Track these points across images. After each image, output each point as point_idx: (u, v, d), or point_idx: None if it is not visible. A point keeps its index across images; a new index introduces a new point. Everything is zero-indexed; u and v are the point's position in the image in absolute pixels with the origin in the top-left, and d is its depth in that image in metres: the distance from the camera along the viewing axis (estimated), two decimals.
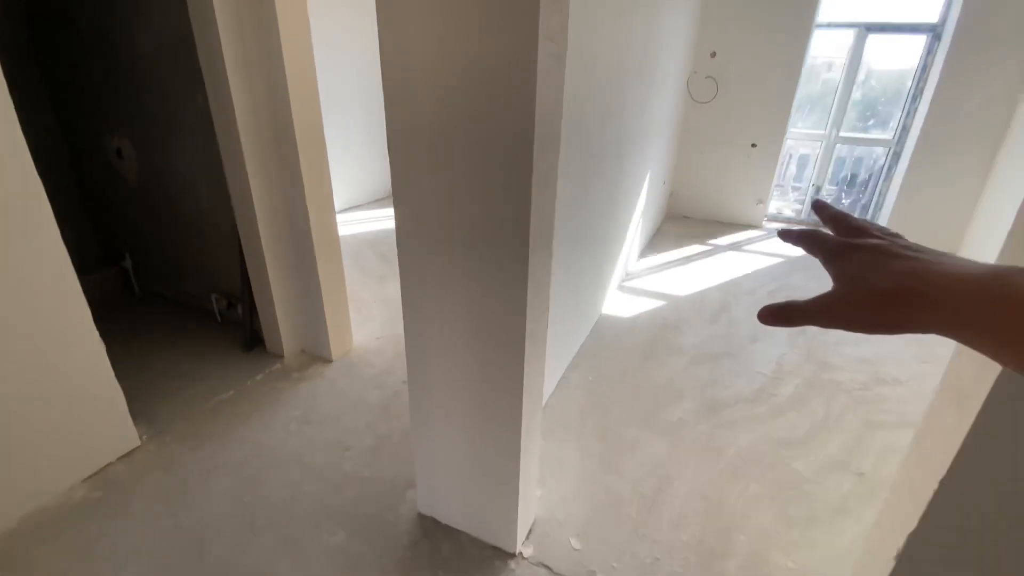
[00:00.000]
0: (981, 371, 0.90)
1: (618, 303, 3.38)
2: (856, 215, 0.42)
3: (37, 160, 1.52)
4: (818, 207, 0.45)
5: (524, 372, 1.28)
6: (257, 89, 2.11)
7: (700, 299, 3.48)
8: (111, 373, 1.84)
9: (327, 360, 2.62)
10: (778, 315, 0.39)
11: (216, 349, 2.65)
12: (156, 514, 1.71)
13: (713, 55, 4.84)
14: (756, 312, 0.41)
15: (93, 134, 2.85)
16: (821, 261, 0.40)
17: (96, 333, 1.76)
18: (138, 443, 1.96)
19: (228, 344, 2.70)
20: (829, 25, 4.65)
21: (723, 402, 2.38)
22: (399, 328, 2.96)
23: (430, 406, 1.51)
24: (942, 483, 0.97)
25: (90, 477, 1.82)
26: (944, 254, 0.34)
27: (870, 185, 5.15)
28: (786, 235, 0.45)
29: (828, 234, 0.41)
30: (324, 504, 1.76)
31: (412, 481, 1.81)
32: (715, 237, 4.86)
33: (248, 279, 2.51)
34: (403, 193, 1.25)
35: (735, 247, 4.61)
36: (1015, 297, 0.27)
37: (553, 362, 2.38)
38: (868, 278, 0.35)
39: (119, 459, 1.91)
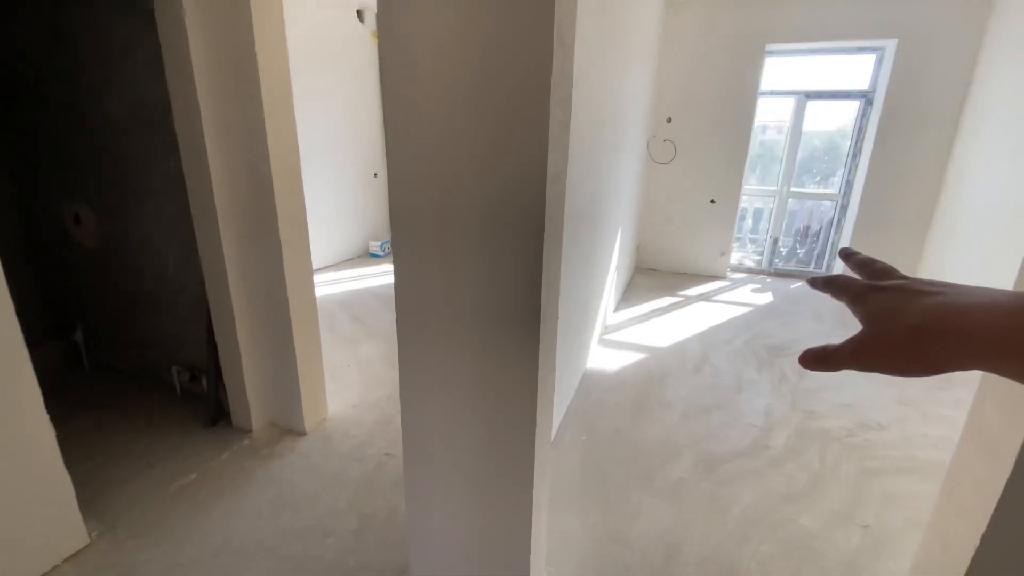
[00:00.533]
0: (1009, 418, 0.90)
1: (601, 357, 3.35)
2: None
3: None
4: (845, 254, 0.46)
5: (536, 443, 1.21)
6: (235, 154, 2.07)
7: (680, 350, 3.50)
8: (60, 461, 1.62)
9: (300, 433, 2.43)
10: (819, 360, 0.39)
11: (176, 427, 2.42)
12: None
13: (669, 120, 5.18)
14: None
15: (49, 200, 2.70)
16: (848, 304, 0.40)
17: (46, 417, 1.57)
18: (87, 541, 1.71)
19: (190, 420, 2.47)
20: (772, 93, 5.09)
21: (721, 457, 2.32)
22: (377, 394, 2.81)
23: (428, 482, 1.39)
24: (984, 539, 0.94)
25: None
26: (973, 287, 0.33)
27: (822, 236, 5.49)
28: (814, 283, 0.45)
29: (854, 278, 0.41)
30: None
31: (405, 567, 1.64)
32: (684, 288, 4.99)
33: (215, 348, 2.34)
34: (405, 266, 1.20)
35: (705, 297, 4.73)
36: None
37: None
38: (895, 316, 0.35)
39: (65, 561, 1.64)
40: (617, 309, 4.31)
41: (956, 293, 0.33)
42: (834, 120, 5.39)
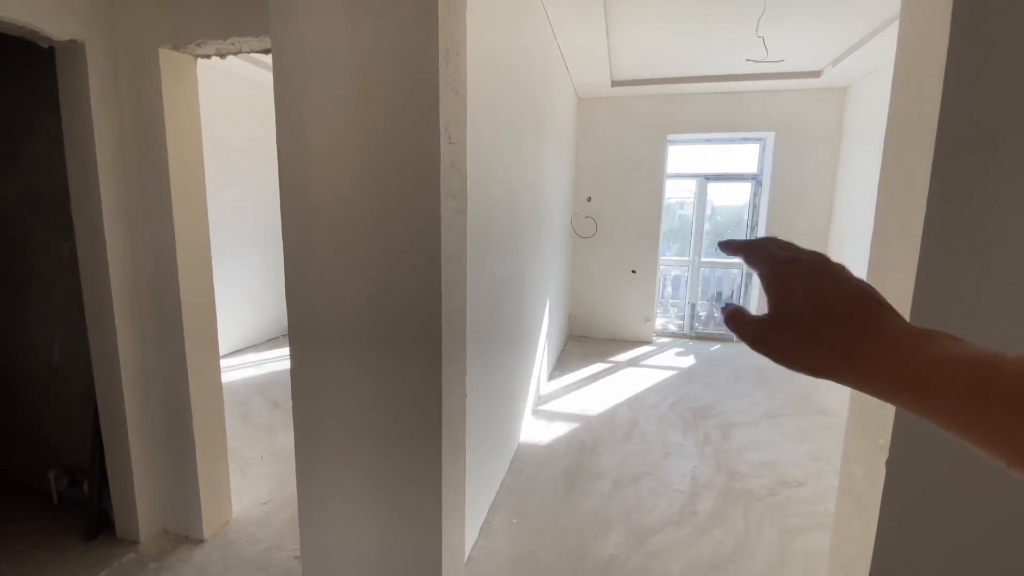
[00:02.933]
0: (870, 472, 0.98)
1: (535, 429, 3.31)
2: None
3: None
4: (724, 245, 0.42)
5: (442, 527, 1.15)
6: (138, 235, 1.98)
7: (611, 417, 3.54)
8: None
9: (197, 540, 2.16)
10: (730, 318, 0.37)
11: (50, 540, 2.08)
12: None
13: (589, 199, 5.59)
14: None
15: None
16: (762, 275, 0.38)
17: None
18: None
19: (66, 532, 2.14)
20: (678, 175, 5.67)
21: (650, 528, 2.30)
22: (291, 489, 2.59)
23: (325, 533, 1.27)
24: None
25: None
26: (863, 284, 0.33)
27: (733, 300, 5.93)
28: (726, 246, 0.42)
29: (774, 247, 0.39)
30: None
31: None
32: (614, 354, 5.14)
33: (102, 447, 2.09)
34: (302, 351, 1.17)
35: (633, 362, 4.89)
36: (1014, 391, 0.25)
37: (473, 506, 2.19)
38: (821, 292, 0.32)
39: None
40: (551, 378, 4.34)
41: (875, 296, 0.32)
42: (734, 198, 6.05)
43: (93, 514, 2.14)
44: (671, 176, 5.61)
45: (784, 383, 4.31)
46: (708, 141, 5.50)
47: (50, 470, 2.31)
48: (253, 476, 2.69)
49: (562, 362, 4.84)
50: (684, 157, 5.67)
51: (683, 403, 3.82)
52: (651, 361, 4.96)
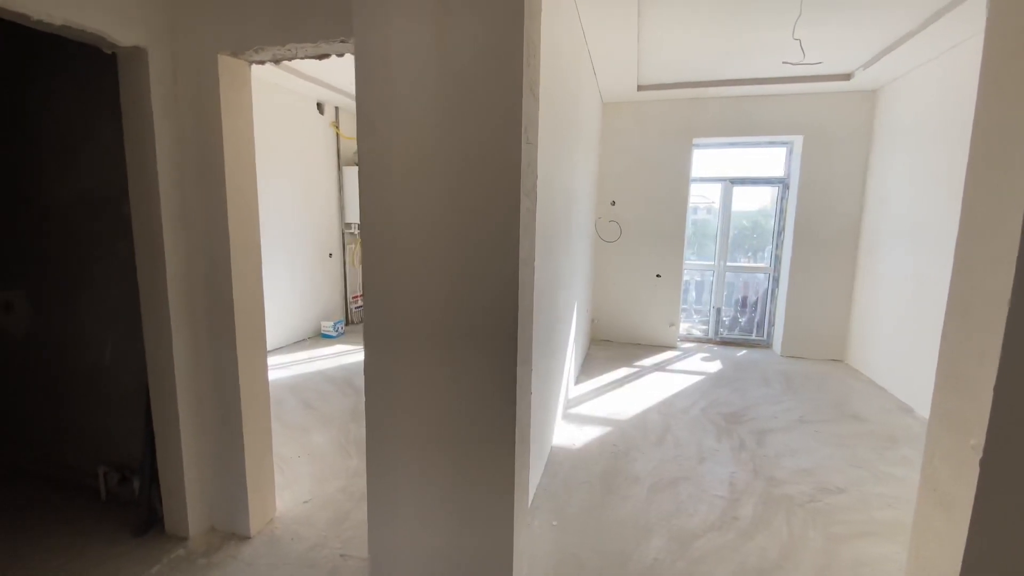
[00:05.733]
0: (958, 470, 0.97)
1: (566, 433, 3.31)
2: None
3: None
4: None
5: (514, 528, 1.16)
6: (193, 238, 2.03)
7: (642, 422, 3.52)
8: None
9: (244, 537, 2.19)
10: None
11: (100, 537, 2.13)
12: None
13: (613, 203, 5.58)
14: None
15: None
16: None
17: None
18: None
19: (115, 529, 2.18)
20: (703, 179, 5.64)
21: (692, 533, 2.29)
22: (331, 487, 2.62)
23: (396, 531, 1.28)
24: None
25: None
26: None
27: (759, 305, 5.87)
28: None
29: None
30: None
31: None
32: (639, 359, 5.11)
33: (153, 445, 2.14)
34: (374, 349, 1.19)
35: (659, 367, 4.86)
36: None
37: None
38: None
39: None
40: (578, 381, 4.33)
41: None
42: (759, 202, 5.99)
43: (144, 511, 2.18)
44: (696, 180, 5.59)
45: (813, 389, 4.25)
46: (734, 145, 5.47)
47: (99, 467, 2.37)
48: (292, 475, 2.72)
49: (587, 366, 4.83)
50: (709, 161, 5.65)
51: (714, 408, 3.79)
52: (677, 366, 4.93)
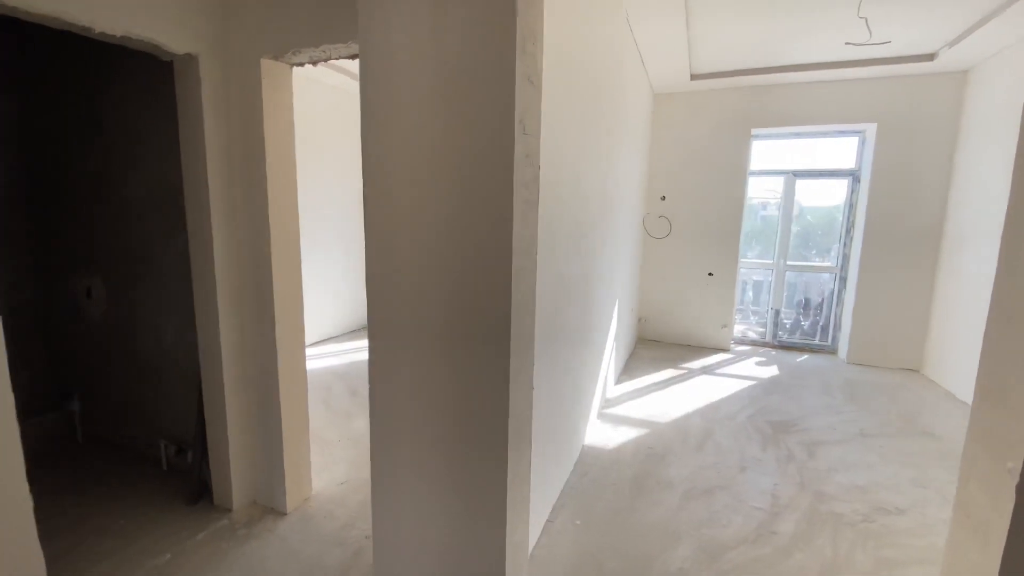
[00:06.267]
0: (995, 497, 0.86)
1: (600, 433, 3.24)
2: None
3: (6, 300, 1.46)
4: None
5: (507, 519, 1.15)
6: (238, 234, 2.18)
7: (682, 426, 3.39)
8: (34, 534, 1.56)
9: (281, 513, 2.33)
10: None
11: (158, 502, 2.35)
12: None
13: (663, 198, 5.39)
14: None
15: (64, 273, 2.82)
16: None
17: (26, 488, 1.53)
18: None
19: (172, 496, 2.40)
20: (762, 172, 5.32)
21: (723, 544, 2.17)
22: (365, 472, 2.72)
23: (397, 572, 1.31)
24: None
25: None
26: None
27: (824, 308, 5.46)
28: None
29: None
30: None
31: None
32: (687, 361, 4.91)
33: (204, 422, 2.32)
34: (378, 329, 1.22)
35: (707, 370, 4.64)
36: None
37: (537, 503, 2.18)
38: None
39: None
40: (618, 382, 4.23)
41: None
42: (828, 197, 5.56)
43: (195, 482, 2.38)
44: (755, 173, 5.28)
45: (881, 400, 3.90)
46: (798, 135, 5.10)
47: (161, 440, 2.60)
48: (331, 457, 2.86)
49: (630, 366, 4.70)
50: (770, 153, 5.31)
51: (763, 415, 3.57)
52: (728, 370, 4.69)
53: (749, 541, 2.20)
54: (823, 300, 5.50)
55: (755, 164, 5.22)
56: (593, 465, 2.84)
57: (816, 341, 5.41)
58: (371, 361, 1.26)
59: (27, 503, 1.56)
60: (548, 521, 2.31)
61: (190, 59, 2.00)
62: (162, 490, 2.45)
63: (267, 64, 2.04)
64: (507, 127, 1.02)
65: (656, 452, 3.01)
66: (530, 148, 1.11)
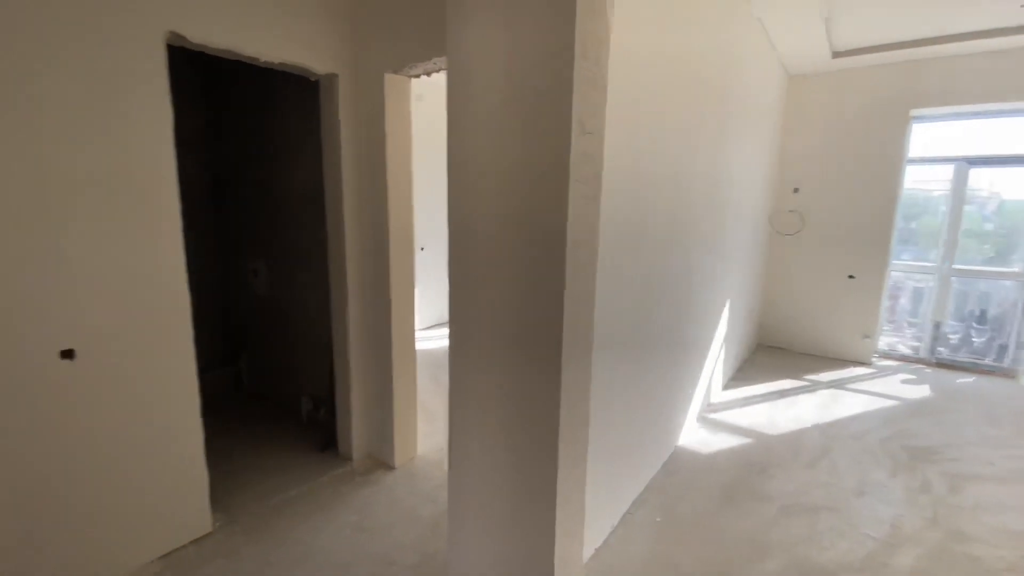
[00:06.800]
0: None
1: (697, 436, 3.13)
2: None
3: (192, 275, 1.95)
4: None
5: (559, 466, 1.25)
6: (364, 226, 2.54)
7: (795, 440, 3.11)
8: (203, 460, 2.06)
9: (390, 467, 2.68)
10: None
11: (295, 448, 2.85)
12: None
13: (796, 191, 4.89)
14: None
15: (237, 256, 3.53)
16: None
17: (200, 422, 2.03)
18: (210, 529, 2.11)
19: (307, 444, 2.89)
20: (924, 160, 4.56)
21: (820, 566, 2.00)
22: None
23: (465, 521, 1.49)
24: None
25: (164, 556, 1.96)
26: None
27: (1006, 322, 4.51)
28: None
29: None
30: None
31: None
32: (814, 372, 4.44)
33: (333, 384, 2.76)
34: (457, 311, 1.40)
35: (838, 384, 4.15)
36: None
37: (615, 494, 2.22)
38: None
39: (191, 542, 2.04)
40: (726, 387, 4.00)
41: None
42: (1015, 188, 4.56)
43: (325, 433, 2.84)
44: (915, 161, 4.53)
45: None
46: (974, 115, 4.26)
47: (303, 396, 3.14)
48: (435, 427, 3.18)
49: (744, 372, 4.39)
50: (936, 136, 4.51)
51: (898, 439, 3.13)
52: (864, 385, 4.14)
53: (853, 569, 2.00)
54: (1004, 313, 4.55)
55: (916, 150, 4.48)
56: (684, 467, 2.77)
57: (988, 361, 4.50)
58: (450, 361, 1.44)
59: (199, 436, 2.05)
60: (627, 513, 2.34)
61: (332, 77, 2.39)
62: (300, 438, 2.97)
63: (389, 78, 2.35)
64: (564, 128, 1.11)
65: (757, 463, 2.83)
66: (591, 147, 1.19)
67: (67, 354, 1.67)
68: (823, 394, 3.92)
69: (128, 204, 1.76)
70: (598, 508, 2.03)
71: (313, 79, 2.42)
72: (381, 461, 2.74)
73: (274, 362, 3.43)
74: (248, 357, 3.60)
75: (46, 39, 1.53)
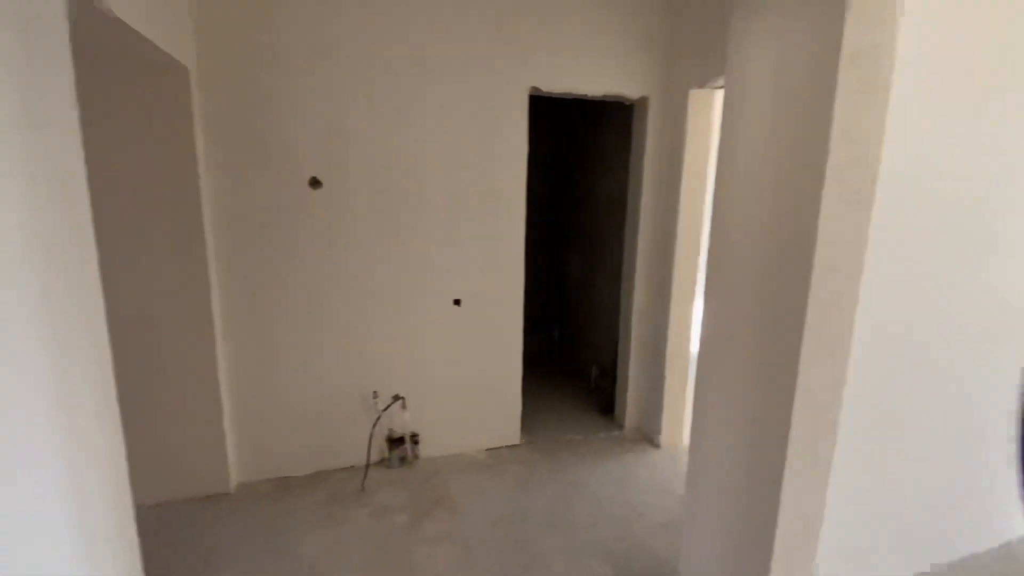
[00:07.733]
0: None
1: None
2: None
3: (527, 261, 2.74)
4: None
5: (786, 463, 1.33)
6: (657, 228, 2.89)
7: None
8: (519, 395, 2.89)
9: (655, 445, 2.98)
10: None
11: (582, 406, 3.49)
12: (512, 488, 2.52)
13: None
14: None
15: (561, 247, 4.41)
16: None
17: (520, 367, 2.85)
18: (518, 442, 2.92)
19: (591, 405, 3.49)
20: None
21: None
22: None
23: (702, 498, 1.69)
24: None
25: (491, 449, 2.86)
26: None
27: None
28: None
29: None
30: (606, 544, 2.12)
31: (675, 569, 1.93)
32: None
33: (616, 359, 3.24)
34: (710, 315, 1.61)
35: None
36: None
37: (900, 551, 1.92)
38: None
39: (506, 447, 2.90)
40: None
41: None
42: None
43: (605, 399, 3.35)
44: None
45: None
46: None
47: (593, 365, 3.74)
48: None
49: None
50: None
51: None
52: None
53: None
54: None
55: None
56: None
57: None
58: (700, 331, 1.66)
59: (519, 375, 2.84)
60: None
61: (643, 100, 2.81)
62: (587, 400, 3.58)
63: (694, 93, 2.60)
64: (823, 137, 1.19)
65: None
66: (857, 153, 1.20)
67: (456, 302, 2.67)
68: None
69: (495, 208, 2.63)
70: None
71: (628, 104, 2.89)
72: (648, 438, 3.06)
73: (576, 333, 4.18)
74: (559, 328, 4.49)
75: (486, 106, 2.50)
